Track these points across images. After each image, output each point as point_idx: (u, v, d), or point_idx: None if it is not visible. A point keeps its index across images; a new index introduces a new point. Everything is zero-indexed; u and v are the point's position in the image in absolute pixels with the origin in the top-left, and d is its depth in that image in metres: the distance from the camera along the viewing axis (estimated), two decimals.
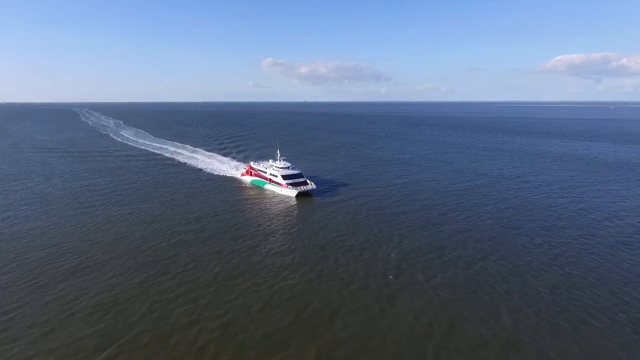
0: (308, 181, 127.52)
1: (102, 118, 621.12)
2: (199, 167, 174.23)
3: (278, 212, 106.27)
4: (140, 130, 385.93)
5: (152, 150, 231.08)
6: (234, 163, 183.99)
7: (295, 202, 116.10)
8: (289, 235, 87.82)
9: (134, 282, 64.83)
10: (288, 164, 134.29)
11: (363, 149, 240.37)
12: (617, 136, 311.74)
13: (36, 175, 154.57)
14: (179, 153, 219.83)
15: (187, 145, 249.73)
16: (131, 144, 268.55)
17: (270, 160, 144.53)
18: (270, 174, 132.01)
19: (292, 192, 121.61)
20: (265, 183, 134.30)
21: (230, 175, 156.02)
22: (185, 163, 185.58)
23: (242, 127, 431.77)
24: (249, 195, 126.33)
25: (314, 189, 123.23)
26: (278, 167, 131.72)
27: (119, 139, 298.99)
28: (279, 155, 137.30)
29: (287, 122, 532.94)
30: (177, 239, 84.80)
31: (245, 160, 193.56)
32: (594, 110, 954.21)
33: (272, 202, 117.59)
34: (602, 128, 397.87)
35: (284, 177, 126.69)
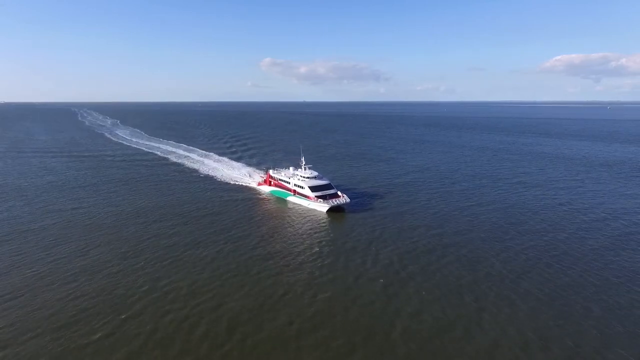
0: (339, 193, 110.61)
1: (101, 118, 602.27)
2: (209, 173, 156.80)
3: (307, 232, 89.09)
4: (139, 130, 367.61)
5: (159, 154, 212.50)
6: (247, 169, 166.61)
7: (325, 218, 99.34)
8: (325, 262, 70.90)
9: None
10: (315, 173, 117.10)
11: (389, 153, 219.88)
12: (608, 136, 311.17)
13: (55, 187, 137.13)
14: (187, 157, 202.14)
15: (195, 149, 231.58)
16: (134, 145, 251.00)
17: (292, 168, 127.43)
18: (295, 185, 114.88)
19: (323, 207, 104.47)
20: (288, 195, 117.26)
21: (244, 184, 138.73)
22: (195, 169, 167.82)
23: (246, 128, 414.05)
24: (270, 208, 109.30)
25: (347, 203, 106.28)
26: (304, 177, 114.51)
27: (115, 139, 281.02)
28: (303, 162, 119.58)
29: (298, 124, 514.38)
30: (187, 259, 68.02)
31: (258, 165, 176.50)
32: (591, 111, 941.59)
33: (298, 218, 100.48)
34: (595, 128, 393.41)
35: (312, 188, 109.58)
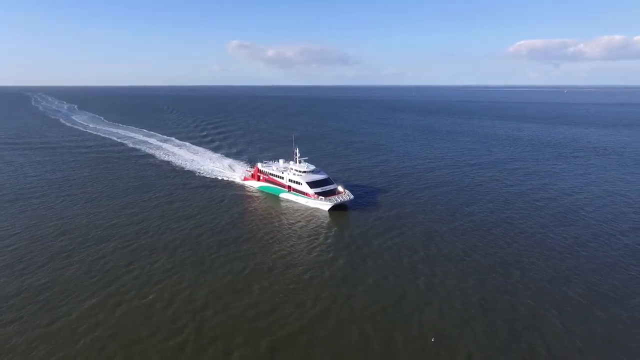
0: (340, 188, 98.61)
1: (57, 103, 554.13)
2: (186, 167, 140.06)
3: (308, 234, 77.08)
4: (100, 116, 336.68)
5: (130, 145, 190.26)
6: (227, 161, 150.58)
7: (326, 218, 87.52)
8: (335, 271, 59.39)
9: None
10: (312, 167, 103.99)
11: (386, 143, 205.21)
12: (557, 119, 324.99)
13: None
14: (160, 147, 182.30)
15: (172, 138, 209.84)
16: (92, 132, 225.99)
17: (282, 161, 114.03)
18: (290, 180, 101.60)
19: (324, 205, 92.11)
20: (282, 191, 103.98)
21: (226, 178, 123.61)
22: (169, 162, 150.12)
23: (219, 114, 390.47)
24: (261, 208, 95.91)
25: (351, 200, 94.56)
26: (300, 172, 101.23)
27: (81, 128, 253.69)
28: (298, 155, 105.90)
29: (270, 108, 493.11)
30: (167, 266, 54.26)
31: (239, 156, 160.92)
32: (548, 94, 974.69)
33: (295, 217, 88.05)
34: (547, 111, 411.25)
35: (311, 184, 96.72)
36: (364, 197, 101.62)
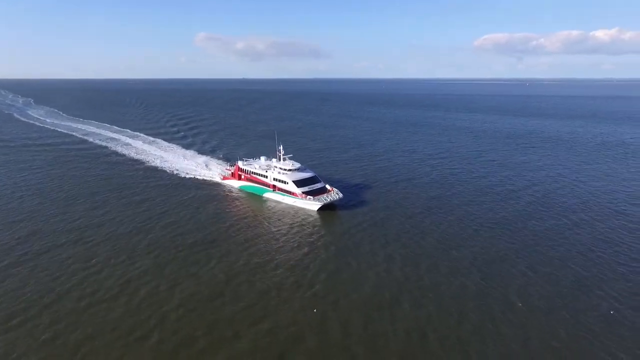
0: (328, 187, 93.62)
1: (10, 97, 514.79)
2: (157, 165, 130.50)
3: (298, 236, 71.89)
4: (58, 111, 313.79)
5: (97, 143, 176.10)
6: (202, 158, 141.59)
7: (314, 218, 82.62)
8: (331, 279, 54.72)
9: None
10: (297, 164, 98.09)
11: (370, 138, 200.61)
12: (518, 110, 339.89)
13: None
14: (129, 145, 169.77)
15: (140, 134, 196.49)
16: (50, 127, 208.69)
17: (264, 158, 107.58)
18: (275, 179, 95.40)
19: (313, 205, 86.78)
20: (266, 191, 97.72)
21: (203, 177, 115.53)
22: (139, 160, 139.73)
23: (192, 108, 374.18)
24: (244, 207, 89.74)
25: (340, 199, 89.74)
26: (285, 170, 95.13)
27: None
28: (282, 152, 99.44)
29: (243, 102, 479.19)
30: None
31: (214, 153, 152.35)
32: (512, 87, 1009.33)
33: (283, 218, 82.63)
34: (509, 103, 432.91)
35: (298, 183, 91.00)
36: (350, 195, 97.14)
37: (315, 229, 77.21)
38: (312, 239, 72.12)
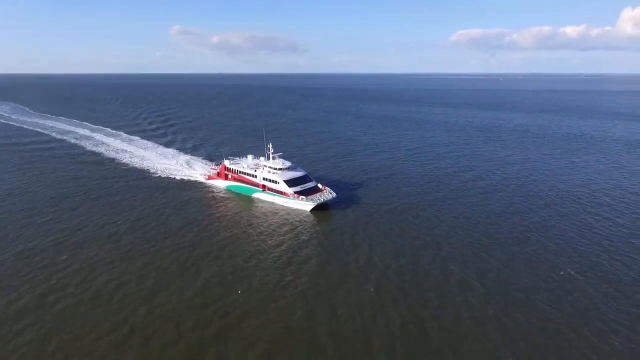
0: (320, 186, 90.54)
1: None
2: (137, 165, 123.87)
3: (290, 239, 68.59)
4: (25, 107, 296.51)
5: (72, 141, 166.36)
6: (184, 157, 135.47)
7: (307, 218, 79.58)
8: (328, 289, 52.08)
9: None
10: (288, 163, 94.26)
11: (362, 134, 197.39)
12: (492, 105, 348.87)
13: None
14: (105, 144, 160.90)
15: (120, 133, 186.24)
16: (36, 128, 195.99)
17: (251, 157, 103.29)
18: (265, 179, 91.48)
19: (306, 206, 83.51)
20: (255, 191, 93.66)
21: (186, 177, 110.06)
22: (115, 159, 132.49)
23: (165, 103, 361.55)
24: (233, 209, 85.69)
25: (333, 198, 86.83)
26: (276, 169, 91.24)
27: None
28: (271, 150, 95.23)
29: (223, 99, 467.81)
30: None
31: (195, 151, 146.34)
32: (486, 82, 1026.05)
33: (274, 218, 79.08)
34: (483, 98, 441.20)
35: (289, 182, 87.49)
36: (343, 194, 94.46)
37: (307, 229, 74.11)
38: (305, 239, 69.21)
